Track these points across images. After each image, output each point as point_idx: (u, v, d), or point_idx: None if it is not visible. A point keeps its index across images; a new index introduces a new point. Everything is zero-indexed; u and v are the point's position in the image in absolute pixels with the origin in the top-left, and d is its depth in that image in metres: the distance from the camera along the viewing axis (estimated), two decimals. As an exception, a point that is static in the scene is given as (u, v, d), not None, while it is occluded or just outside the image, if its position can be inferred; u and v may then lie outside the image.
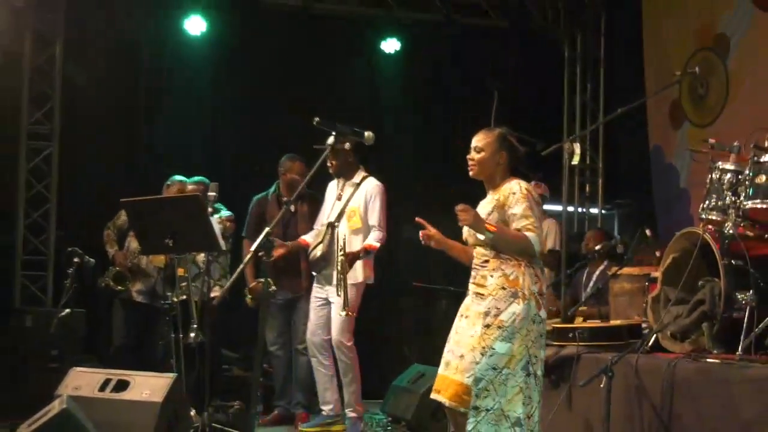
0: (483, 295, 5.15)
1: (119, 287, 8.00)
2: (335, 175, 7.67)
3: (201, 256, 7.83)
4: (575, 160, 7.69)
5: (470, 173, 5.29)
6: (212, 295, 7.52)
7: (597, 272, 8.39)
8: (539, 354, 5.10)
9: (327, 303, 7.59)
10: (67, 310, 7.87)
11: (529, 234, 4.98)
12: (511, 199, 5.10)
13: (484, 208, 5.22)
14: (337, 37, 10.91)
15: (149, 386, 6.32)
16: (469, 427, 4.94)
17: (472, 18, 11.30)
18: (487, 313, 5.04)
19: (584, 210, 11.81)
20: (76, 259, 7.98)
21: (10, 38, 9.69)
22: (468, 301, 5.28)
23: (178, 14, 10.28)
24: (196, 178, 8.21)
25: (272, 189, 8.23)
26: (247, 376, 8.80)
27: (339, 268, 7.21)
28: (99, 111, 9.94)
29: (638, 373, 5.68)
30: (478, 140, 5.27)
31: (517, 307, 4.99)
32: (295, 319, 8.12)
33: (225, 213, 8.19)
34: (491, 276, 5.12)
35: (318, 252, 7.57)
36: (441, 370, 5.24)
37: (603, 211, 11.89)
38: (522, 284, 5.05)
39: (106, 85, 9.95)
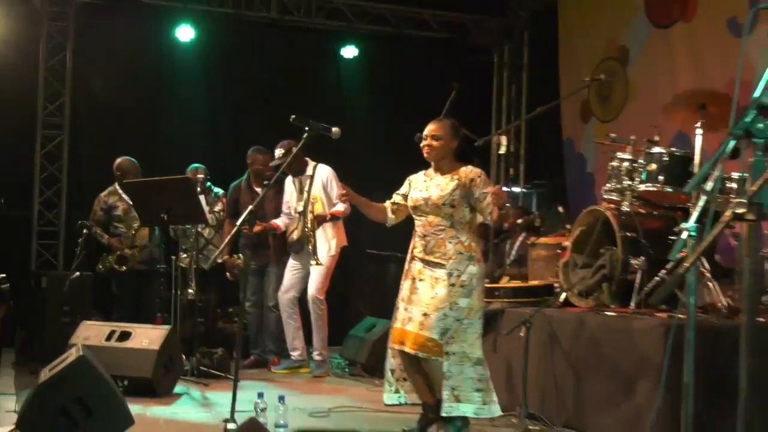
0: (438, 262, 5.13)
1: (123, 267, 8.01)
2: (291, 174, 7.74)
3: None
4: (502, 150, 7.81)
5: (426, 157, 5.29)
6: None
7: (518, 242, 8.33)
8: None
9: (300, 270, 7.70)
10: (77, 273, 7.83)
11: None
12: (477, 180, 5.12)
13: (442, 187, 5.18)
14: (306, 44, 10.87)
15: (148, 336, 6.39)
16: (443, 369, 4.97)
17: (419, 31, 11.32)
18: (450, 275, 5.05)
19: (508, 189, 11.85)
20: (84, 230, 7.98)
21: (28, 44, 9.70)
22: (419, 266, 5.24)
23: (170, 24, 10.18)
24: (195, 165, 8.27)
25: (244, 177, 8.24)
26: (228, 328, 8.84)
27: (309, 225, 7.30)
28: (103, 105, 9.91)
29: (551, 324, 5.81)
30: (434, 130, 5.25)
31: (474, 268, 5.08)
32: (265, 283, 8.16)
33: (218, 191, 8.28)
34: (449, 243, 5.12)
35: (294, 236, 7.68)
36: (400, 324, 5.20)
37: (524, 191, 11.85)
38: (475, 248, 5.16)
39: (109, 83, 9.92)
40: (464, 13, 11.44)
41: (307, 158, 7.71)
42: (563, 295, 6.15)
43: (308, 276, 7.66)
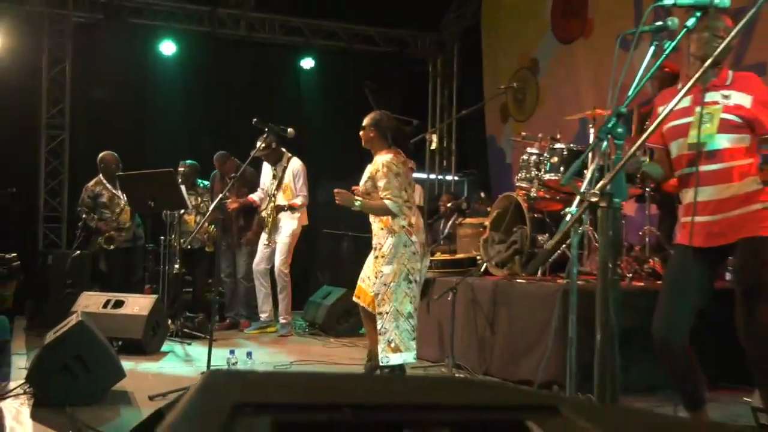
0: (375, 235, 5.25)
1: (111, 246, 8.03)
2: (269, 161, 7.79)
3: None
4: (434, 146, 7.96)
5: (365, 144, 5.33)
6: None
7: (450, 222, 8.36)
8: (416, 266, 5.14)
9: (269, 246, 7.77)
10: (78, 252, 7.87)
11: (387, 202, 4.99)
12: (378, 173, 5.08)
13: (365, 175, 5.25)
14: (270, 57, 10.91)
15: (138, 304, 6.40)
16: (378, 326, 5.08)
17: (366, 45, 11.38)
18: (375, 248, 5.17)
19: (443, 177, 12.02)
20: (83, 216, 8.01)
21: (32, 57, 9.70)
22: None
23: (155, 40, 10.16)
24: (188, 161, 8.28)
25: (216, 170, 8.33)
26: (208, 297, 8.87)
27: (269, 212, 7.57)
28: (98, 109, 9.84)
29: (473, 290, 5.89)
30: (364, 122, 5.30)
31: (391, 239, 5.06)
32: (238, 257, 8.21)
33: (202, 183, 8.29)
34: (374, 223, 5.22)
35: (264, 214, 7.75)
36: (359, 282, 5.35)
37: (456, 178, 11.93)
38: (391, 224, 5.08)
39: (102, 91, 9.86)
40: (404, 30, 11.54)
41: (284, 150, 7.74)
42: (484, 266, 6.21)
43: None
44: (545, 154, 6.00)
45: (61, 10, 9.89)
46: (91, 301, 6.45)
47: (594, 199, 2.27)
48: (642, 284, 5.42)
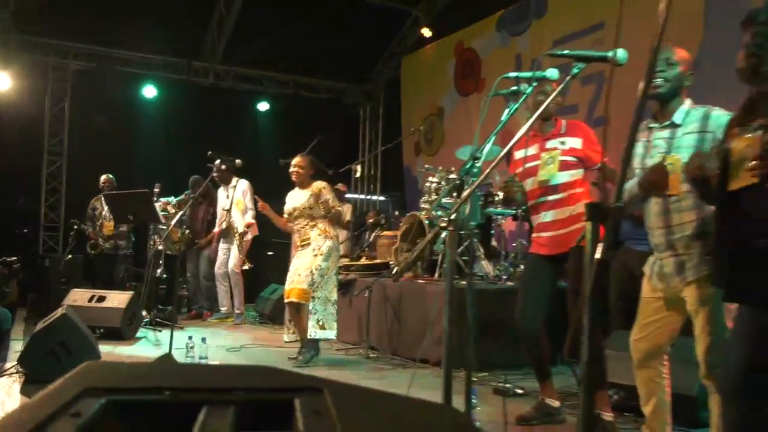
0: (307, 243, 5.35)
1: (94, 251, 7.96)
2: (222, 183, 7.76)
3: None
4: (358, 174, 8.06)
5: (294, 180, 5.52)
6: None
7: (372, 233, 8.36)
8: (338, 265, 5.58)
9: (228, 251, 7.72)
10: (70, 256, 7.76)
11: (338, 209, 5.49)
12: (323, 192, 5.42)
13: (300, 198, 5.45)
14: (232, 101, 10.81)
15: (118, 299, 6.31)
16: (310, 307, 5.23)
17: (310, 93, 11.44)
18: (314, 249, 5.29)
19: (371, 197, 12.10)
20: (75, 227, 7.88)
21: (37, 97, 9.64)
22: (298, 250, 5.45)
23: (139, 84, 10.06)
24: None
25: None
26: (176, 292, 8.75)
27: (237, 236, 7.54)
28: (91, 140, 9.64)
29: (385, 289, 5.95)
30: (298, 162, 5.50)
31: (329, 242, 5.34)
32: (200, 261, 8.12)
33: (172, 199, 8.19)
34: (312, 231, 5.36)
35: (223, 225, 7.71)
36: (286, 286, 5.36)
37: (382, 198, 11.98)
38: (328, 231, 5.40)
39: (95, 125, 9.72)
40: (340, 82, 11.63)
41: (234, 175, 7.66)
42: (394, 270, 6.26)
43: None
44: (442, 183, 6.15)
45: (62, 60, 9.80)
46: (79, 296, 6.33)
47: (443, 225, 2.39)
48: (513, 284, 5.58)
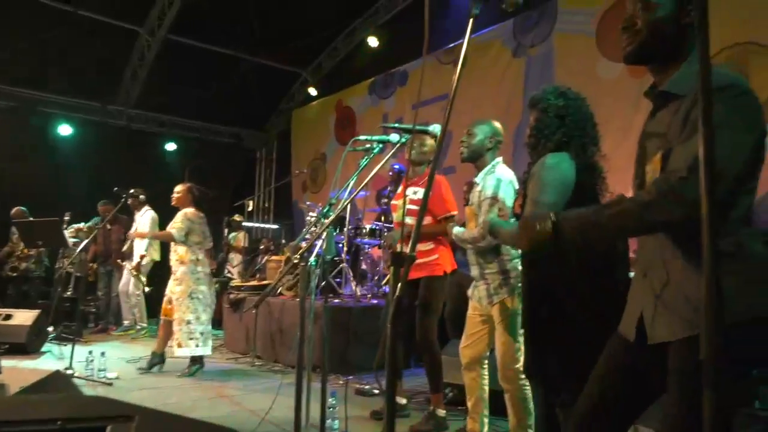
0: (176, 266, 5.08)
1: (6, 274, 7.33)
2: (134, 210, 7.35)
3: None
4: (250, 208, 7.93)
5: (173, 204, 5.29)
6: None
7: (264, 257, 8.23)
8: (201, 287, 5.06)
9: (130, 272, 7.30)
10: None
11: (172, 231, 5.05)
12: (181, 214, 5.15)
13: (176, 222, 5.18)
14: (142, 140, 10.29)
15: (24, 317, 5.84)
16: (174, 329, 4.96)
17: (214, 137, 11.16)
18: (174, 273, 5.07)
19: (267, 226, 11.92)
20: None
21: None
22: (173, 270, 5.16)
23: (56, 123, 9.40)
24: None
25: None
26: (86, 309, 8.15)
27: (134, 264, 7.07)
28: (10, 173, 8.74)
29: (270, 305, 5.81)
30: (177, 188, 5.28)
31: (184, 268, 5.04)
32: (112, 280, 7.68)
33: (82, 224, 7.66)
34: (173, 255, 5.13)
35: (125, 248, 7.30)
36: (164, 305, 5.12)
37: (275, 226, 11.88)
38: (185, 257, 5.07)
39: (17, 160, 8.88)
40: (240, 128, 11.45)
41: (144, 205, 7.26)
42: (279, 289, 6.24)
43: None
44: (321, 218, 6.16)
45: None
46: (-12, 316, 5.80)
47: (295, 261, 2.43)
48: (376, 301, 5.68)
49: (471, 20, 1.44)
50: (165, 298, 5.13)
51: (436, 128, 2.96)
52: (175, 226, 5.11)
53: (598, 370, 1.53)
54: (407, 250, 1.33)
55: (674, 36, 1.43)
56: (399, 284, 1.26)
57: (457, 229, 2.96)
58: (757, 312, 1.25)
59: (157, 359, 5.12)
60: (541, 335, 2.04)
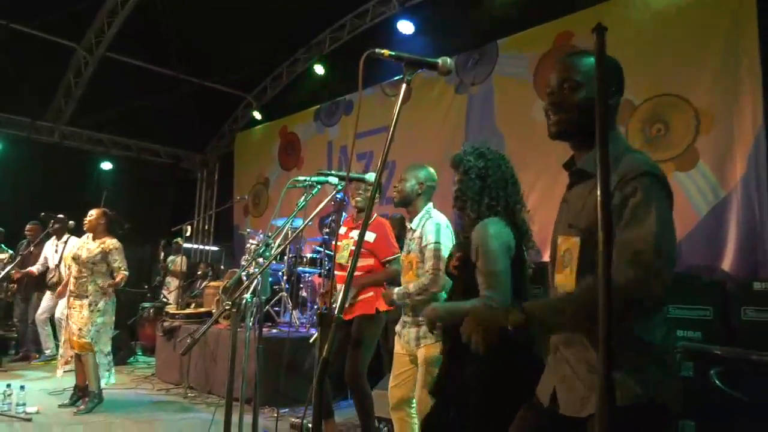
0: (87, 296, 4.74)
1: None
2: (55, 236, 6.94)
3: None
4: (188, 234, 7.76)
5: (85, 228, 4.93)
6: None
7: (203, 283, 7.92)
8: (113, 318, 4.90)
9: (51, 300, 6.93)
10: None
11: (125, 273, 4.85)
12: (113, 252, 4.82)
13: (88, 248, 4.85)
14: (77, 159, 9.90)
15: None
16: (87, 356, 4.70)
17: (153, 157, 10.92)
18: (90, 304, 4.72)
19: (206, 248, 11.67)
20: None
21: None
22: (71, 299, 4.81)
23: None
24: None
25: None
26: (6, 335, 7.67)
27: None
28: None
29: (206, 336, 5.49)
30: (91, 213, 4.94)
31: (104, 299, 4.79)
32: (29, 307, 7.19)
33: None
34: (91, 285, 4.76)
35: (54, 279, 6.87)
36: (70, 335, 4.79)
37: (214, 248, 11.55)
38: (104, 285, 4.80)
39: None
40: (180, 149, 11.26)
41: (67, 231, 6.91)
42: (216, 314, 6.09)
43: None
44: (260, 245, 6.10)
45: None
46: None
47: (227, 307, 2.44)
48: (314, 331, 5.64)
49: (404, 86, 1.52)
50: (72, 328, 4.77)
51: (371, 176, 3.03)
52: (120, 264, 4.86)
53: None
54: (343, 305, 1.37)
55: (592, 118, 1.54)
56: (327, 346, 1.30)
57: (397, 290, 3.01)
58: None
59: (80, 393, 4.89)
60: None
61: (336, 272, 3.75)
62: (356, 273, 3.62)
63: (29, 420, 4.31)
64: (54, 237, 6.95)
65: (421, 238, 2.93)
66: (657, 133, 4.96)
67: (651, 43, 5.03)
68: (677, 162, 4.78)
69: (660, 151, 4.81)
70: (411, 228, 3.02)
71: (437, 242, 2.85)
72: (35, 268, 7.04)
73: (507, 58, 6.31)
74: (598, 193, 0.97)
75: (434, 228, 2.90)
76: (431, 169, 3.11)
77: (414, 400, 3.03)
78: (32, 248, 6.86)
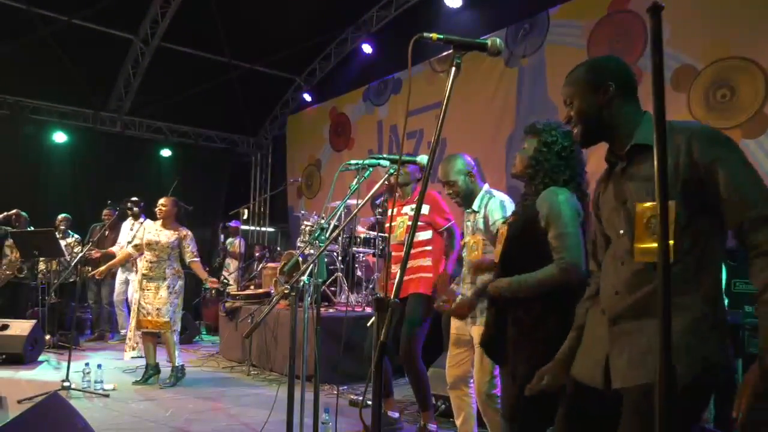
0: (156, 278, 5.03)
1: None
2: (132, 218, 7.29)
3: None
4: (245, 216, 7.96)
5: (159, 217, 5.22)
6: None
7: (260, 265, 8.26)
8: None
9: (126, 282, 7.36)
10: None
11: (197, 260, 5.21)
12: (187, 239, 5.17)
13: (164, 235, 5.14)
14: (138, 147, 10.33)
15: (20, 327, 5.89)
16: (168, 334, 5.02)
17: (208, 143, 11.19)
18: (168, 286, 5.02)
19: (263, 229, 11.96)
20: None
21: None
22: (144, 281, 5.09)
23: (50, 131, 9.42)
24: (63, 214, 7.66)
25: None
26: (80, 316, 8.15)
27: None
28: (5, 180, 8.77)
29: (267, 316, 6.00)
30: (163, 202, 5.23)
31: (180, 282, 5.13)
32: (102, 288, 7.66)
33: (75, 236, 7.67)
34: (168, 269, 5.08)
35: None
36: (142, 317, 5.05)
37: (271, 229, 11.92)
38: (179, 270, 5.15)
39: (13, 167, 8.93)
40: (234, 134, 11.49)
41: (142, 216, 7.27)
42: (275, 298, 6.26)
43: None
44: (315, 227, 6.21)
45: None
46: (-14, 326, 5.84)
47: (286, 291, 2.50)
48: (370, 310, 5.72)
49: (453, 69, 1.51)
50: (147, 309, 5.08)
51: (423, 159, 3.02)
52: (192, 250, 5.23)
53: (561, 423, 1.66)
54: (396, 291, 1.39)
55: (602, 115, 1.62)
56: (383, 329, 1.33)
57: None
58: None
59: (152, 371, 5.17)
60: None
61: (393, 253, 3.78)
62: (413, 249, 3.63)
63: (107, 396, 4.60)
64: (130, 218, 7.22)
65: (486, 218, 2.91)
66: (722, 98, 4.73)
67: (716, 4, 4.77)
68: (744, 129, 4.55)
69: (725, 118, 4.59)
70: (473, 210, 3.00)
71: (504, 218, 2.84)
72: (115, 249, 7.38)
73: (559, 28, 6.11)
74: (656, 163, 0.97)
75: (498, 205, 2.90)
76: (460, 154, 3.08)
77: (471, 380, 3.05)
78: (107, 231, 7.22)
